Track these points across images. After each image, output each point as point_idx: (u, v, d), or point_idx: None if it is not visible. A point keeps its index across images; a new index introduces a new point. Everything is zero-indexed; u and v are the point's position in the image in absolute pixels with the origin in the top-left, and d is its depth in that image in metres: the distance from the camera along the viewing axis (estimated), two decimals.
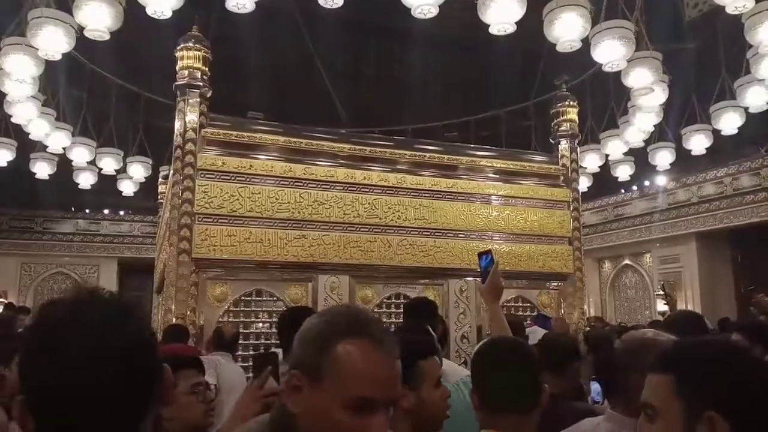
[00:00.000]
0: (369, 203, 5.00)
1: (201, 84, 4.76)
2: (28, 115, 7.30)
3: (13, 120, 7.75)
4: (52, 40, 5.11)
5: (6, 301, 12.16)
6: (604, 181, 10.24)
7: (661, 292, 11.14)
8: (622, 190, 12.37)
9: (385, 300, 4.98)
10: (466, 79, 13.38)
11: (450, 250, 5.14)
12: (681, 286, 11.39)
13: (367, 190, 5.05)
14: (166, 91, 10.22)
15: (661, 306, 11.15)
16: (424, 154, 5.43)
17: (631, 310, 12.87)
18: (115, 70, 9.88)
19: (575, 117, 5.95)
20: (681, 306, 10.81)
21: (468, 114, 11.90)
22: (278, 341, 3.78)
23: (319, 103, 12.12)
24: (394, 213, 5.06)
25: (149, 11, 4.34)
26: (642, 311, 12.52)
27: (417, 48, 11.39)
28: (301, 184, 4.89)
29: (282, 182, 4.83)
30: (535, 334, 3.95)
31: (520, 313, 5.38)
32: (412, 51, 11.84)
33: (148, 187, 10.60)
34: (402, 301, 4.87)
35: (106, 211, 14.66)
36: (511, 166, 5.66)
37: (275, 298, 4.75)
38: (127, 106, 10.53)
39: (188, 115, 4.69)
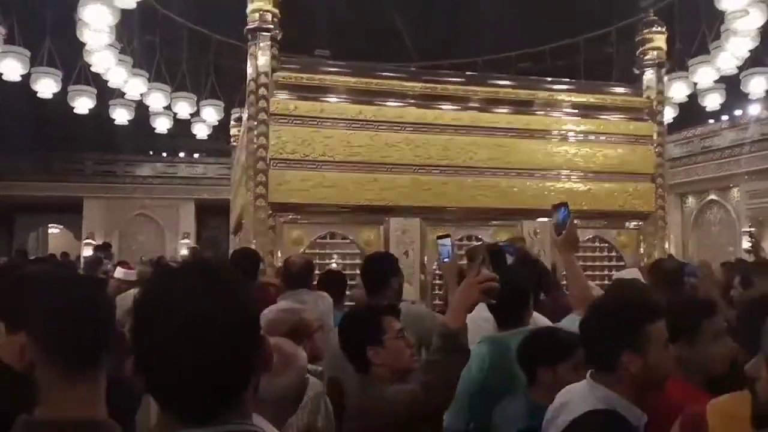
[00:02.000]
0: (441, 144, 4.89)
1: (272, 27, 4.70)
2: (107, 63, 7.53)
3: (92, 69, 8.03)
4: None
5: (94, 243, 13.01)
6: (690, 110, 9.60)
7: (750, 229, 10.55)
8: (711, 120, 11.59)
9: (456, 242, 4.94)
10: (542, 3, 12.64)
11: (525, 191, 5.00)
12: None
13: (439, 130, 4.93)
14: (235, 33, 10.29)
15: (745, 243, 10.60)
16: (498, 89, 5.22)
17: (715, 248, 12.30)
18: (186, 14, 9.97)
19: (663, 44, 5.52)
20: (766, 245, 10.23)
21: (544, 42, 11.33)
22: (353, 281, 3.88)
23: (387, 38, 11.84)
24: (466, 153, 4.93)
25: None
26: (726, 249, 11.95)
27: None
28: (372, 126, 4.83)
29: (353, 125, 4.79)
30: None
31: (597, 253, 5.23)
32: None
33: (221, 129, 10.86)
34: (473, 243, 4.81)
35: (181, 154, 15.23)
36: (591, 100, 5.36)
37: (348, 240, 4.81)
38: (198, 49, 10.66)
39: (260, 60, 4.67)
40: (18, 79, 7.87)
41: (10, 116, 12.87)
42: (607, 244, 5.32)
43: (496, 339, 2.26)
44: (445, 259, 2.45)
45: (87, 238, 14.30)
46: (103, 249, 7.55)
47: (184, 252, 14.95)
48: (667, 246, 5.58)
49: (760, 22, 6.20)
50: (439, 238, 2.41)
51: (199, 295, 0.84)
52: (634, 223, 5.37)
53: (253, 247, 4.44)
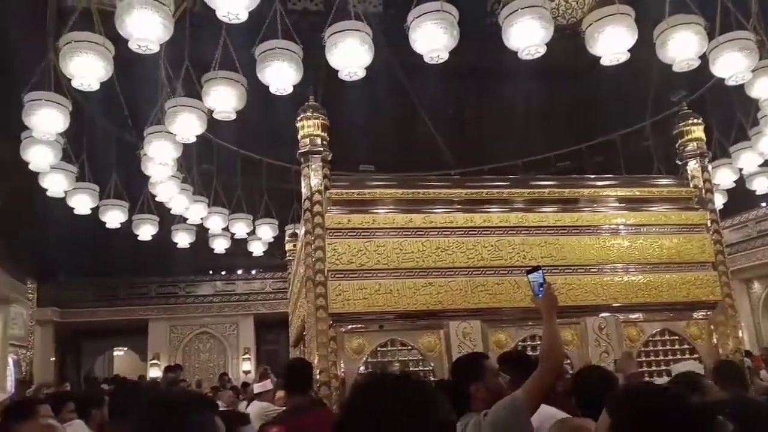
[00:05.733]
0: (492, 245, 4.99)
1: (321, 149, 5.06)
2: (170, 192, 8.10)
3: (156, 198, 8.62)
4: (187, 125, 5.70)
5: (159, 363, 13.34)
6: (740, 195, 9.49)
7: None
8: (763, 204, 11.37)
9: (520, 343, 4.90)
10: (572, 106, 13.13)
11: (583, 287, 4.98)
12: None
13: (488, 232, 5.05)
14: (283, 156, 10.95)
15: None
16: (542, 190, 5.36)
17: None
18: (238, 142, 10.74)
19: (701, 135, 5.62)
20: None
21: (577, 142, 11.61)
22: None
23: (425, 150, 12.36)
24: (518, 253, 5.01)
25: (272, 89, 4.74)
26: None
27: (518, 83, 11.37)
28: (422, 232, 4.99)
29: (404, 233, 4.96)
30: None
31: (669, 347, 5.07)
32: (514, 86, 11.83)
33: (276, 245, 11.28)
34: (538, 343, 4.76)
35: (239, 272, 15.78)
36: (637, 193, 5.43)
37: (409, 347, 4.82)
38: (252, 173, 11.35)
39: (313, 180, 4.99)
40: (88, 212, 8.48)
41: (77, 247, 13.75)
42: (677, 337, 5.15)
43: None
44: (539, 295, 2.45)
45: (153, 359, 14.74)
46: (175, 369, 7.75)
47: (246, 367, 15.11)
48: (740, 334, 5.36)
49: None
50: (529, 272, 2.46)
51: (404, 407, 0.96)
52: (702, 313, 5.21)
53: (315, 358, 4.52)
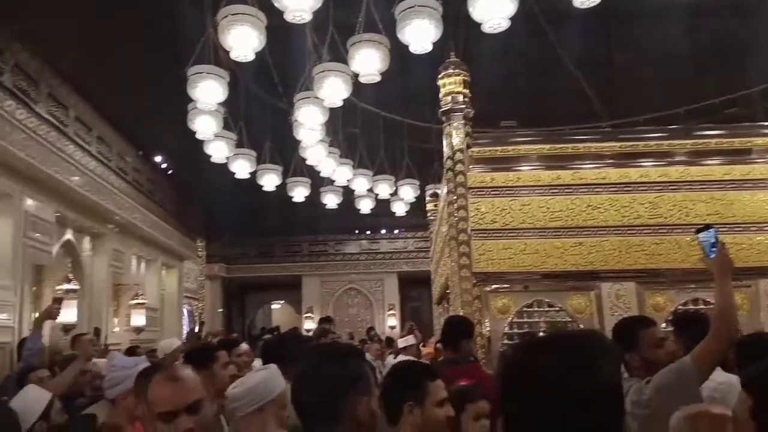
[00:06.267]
0: (649, 202, 4.65)
1: (463, 106, 4.98)
2: (319, 156, 8.46)
3: (306, 162, 9.06)
4: (334, 90, 5.86)
5: (312, 316, 14.34)
6: None
7: None
8: None
9: (680, 307, 4.55)
10: (741, 44, 11.61)
11: (755, 247, 4.49)
12: None
13: (645, 188, 4.70)
14: (423, 116, 10.94)
15: None
16: (707, 140, 4.86)
17: None
18: (380, 104, 10.90)
19: None
20: None
21: (746, 86, 10.31)
22: None
23: (570, 101, 11.69)
24: (679, 210, 4.61)
25: (412, 49, 4.71)
26: None
27: (678, 21, 10.26)
28: (571, 190, 4.78)
29: (551, 191, 4.78)
30: None
31: None
32: (674, 24, 10.69)
33: (416, 205, 11.44)
34: (701, 307, 4.39)
35: (383, 231, 16.32)
36: None
37: (557, 308, 4.69)
38: (393, 134, 11.51)
39: (454, 138, 4.94)
40: (247, 176, 9.13)
41: (240, 209, 14.99)
42: None
43: None
44: (710, 256, 2.25)
45: (306, 312, 15.92)
46: (326, 321, 8.27)
47: (391, 323, 15.77)
48: None
49: None
50: (698, 231, 2.29)
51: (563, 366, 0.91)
52: None
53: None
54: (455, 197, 4.81)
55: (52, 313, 4.16)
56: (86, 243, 9.12)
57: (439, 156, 5.43)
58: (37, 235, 7.09)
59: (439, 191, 8.36)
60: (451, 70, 5.04)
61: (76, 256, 8.69)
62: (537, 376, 0.91)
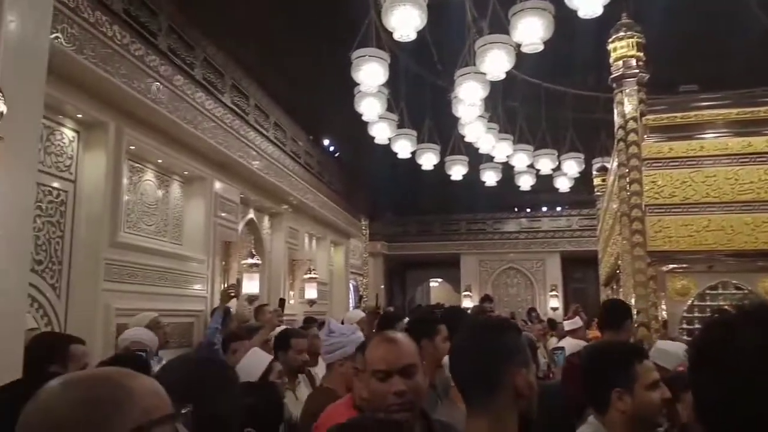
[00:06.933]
0: None
1: (637, 71, 4.63)
2: (477, 132, 8.39)
3: (465, 139, 9.03)
4: (497, 62, 5.74)
5: (470, 294, 14.35)
6: None
7: None
8: None
9: None
10: None
11: None
12: None
13: None
14: (588, 84, 10.29)
15: None
16: None
17: None
18: (541, 74, 10.48)
19: None
20: None
21: None
22: None
23: (762, 58, 10.26)
24: None
25: (581, 14, 4.46)
26: None
27: None
28: (765, 158, 4.26)
29: (741, 160, 4.31)
30: None
31: None
32: None
33: (581, 180, 10.88)
34: None
35: (544, 209, 15.75)
36: None
37: (745, 290, 4.23)
38: (555, 105, 11.02)
39: (626, 106, 4.62)
40: (408, 156, 9.33)
41: (399, 189, 15.37)
42: None
43: None
44: None
45: (465, 291, 15.96)
46: (487, 300, 8.30)
47: (554, 304, 15.26)
48: None
49: None
50: None
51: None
52: None
53: (632, 298, 4.30)
54: (627, 170, 4.52)
55: (232, 294, 4.61)
56: (266, 221, 9.96)
57: (608, 127, 5.11)
58: (225, 214, 7.88)
59: (607, 164, 7.89)
60: (622, 33, 4.71)
61: (257, 234, 9.52)
62: (737, 351, 0.84)
